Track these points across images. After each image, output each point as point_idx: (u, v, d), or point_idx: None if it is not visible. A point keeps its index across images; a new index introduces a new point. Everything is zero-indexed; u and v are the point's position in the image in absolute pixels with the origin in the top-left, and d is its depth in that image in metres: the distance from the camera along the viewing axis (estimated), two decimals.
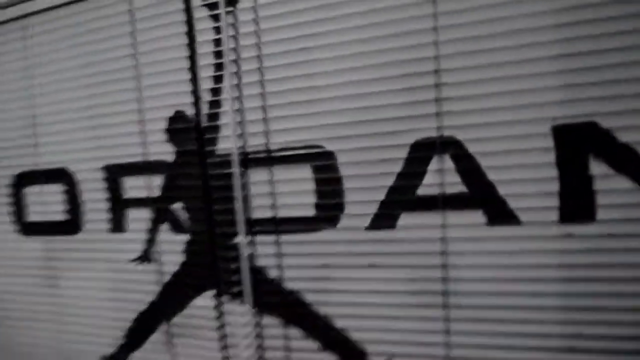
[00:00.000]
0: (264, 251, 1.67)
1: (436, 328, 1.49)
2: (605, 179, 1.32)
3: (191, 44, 1.66)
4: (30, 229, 2.04)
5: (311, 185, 1.58)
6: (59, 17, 1.87)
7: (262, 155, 1.63)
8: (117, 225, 1.87)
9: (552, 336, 1.39)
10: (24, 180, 2.02)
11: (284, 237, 1.64)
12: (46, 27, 1.90)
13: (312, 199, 1.59)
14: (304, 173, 1.59)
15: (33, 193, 2.02)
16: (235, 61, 1.62)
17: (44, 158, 1.97)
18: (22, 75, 1.97)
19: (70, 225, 1.95)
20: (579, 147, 1.33)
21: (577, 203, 1.35)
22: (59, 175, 1.94)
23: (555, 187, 1.36)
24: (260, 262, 1.68)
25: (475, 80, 1.38)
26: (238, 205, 1.65)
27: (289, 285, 1.64)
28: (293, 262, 1.64)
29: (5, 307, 2.11)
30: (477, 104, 1.39)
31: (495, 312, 1.44)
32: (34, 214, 2.03)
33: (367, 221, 1.54)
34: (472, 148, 1.41)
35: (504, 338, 1.43)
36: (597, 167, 1.32)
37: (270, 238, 1.66)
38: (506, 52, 1.35)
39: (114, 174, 1.85)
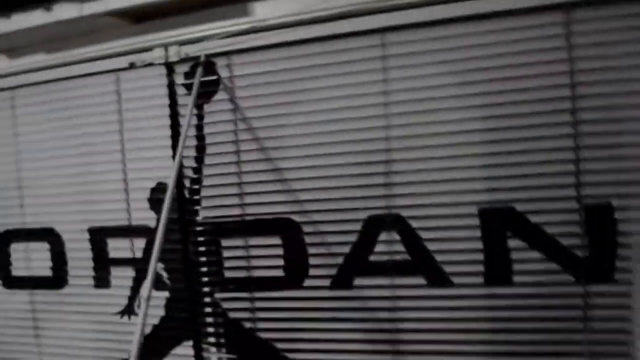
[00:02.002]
0: (239, 306, 1.91)
1: None
2: (520, 251, 1.64)
3: (174, 126, 1.88)
4: (15, 282, 2.19)
5: (281, 251, 1.84)
6: (49, 91, 2.04)
7: (238, 225, 1.87)
8: (102, 281, 2.06)
9: None
10: (10, 236, 2.17)
11: (257, 294, 1.89)
12: (34, 100, 2.07)
13: (281, 263, 1.84)
14: (275, 240, 1.84)
15: (19, 250, 2.17)
16: (217, 144, 1.87)
17: (30, 218, 2.13)
18: (10, 141, 2.12)
19: (56, 280, 2.11)
20: (499, 226, 1.65)
21: (498, 269, 1.66)
22: (47, 235, 2.11)
23: (481, 257, 1.67)
24: (236, 315, 1.92)
25: (419, 169, 1.68)
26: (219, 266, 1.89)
27: (261, 335, 1.89)
28: (265, 316, 1.88)
29: None
30: (419, 188, 1.68)
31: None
32: (19, 269, 2.18)
33: (327, 282, 1.80)
34: (414, 224, 1.71)
35: None
36: (513, 242, 1.64)
37: (245, 295, 1.90)
38: (444, 150, 1.65)
39: (100, 235, 2.03)
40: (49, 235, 2.11)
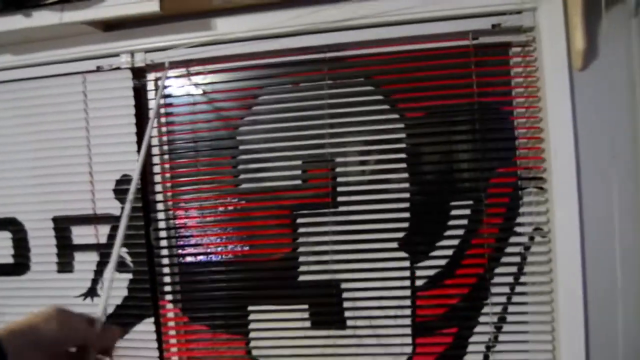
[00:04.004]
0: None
1: None
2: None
3: (139, 124, 2.11)
4: None
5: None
6: (14, 89, 2.19)
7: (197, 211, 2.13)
8: (65, 266, 2.22)
9: None
10: None
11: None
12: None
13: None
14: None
15: None
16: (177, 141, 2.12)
17: None
18: None
19: (18, 267, 2.25)
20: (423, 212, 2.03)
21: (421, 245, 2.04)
22: (8, 224, 2.24)
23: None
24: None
25: (352, 161, 2.02)
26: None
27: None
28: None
29: None
30: (353, 178, 2.03)
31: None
32: None
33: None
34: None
35: None
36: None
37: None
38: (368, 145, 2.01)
39: (63, 223, 2.20)
40: (11, 225, 2.24)
